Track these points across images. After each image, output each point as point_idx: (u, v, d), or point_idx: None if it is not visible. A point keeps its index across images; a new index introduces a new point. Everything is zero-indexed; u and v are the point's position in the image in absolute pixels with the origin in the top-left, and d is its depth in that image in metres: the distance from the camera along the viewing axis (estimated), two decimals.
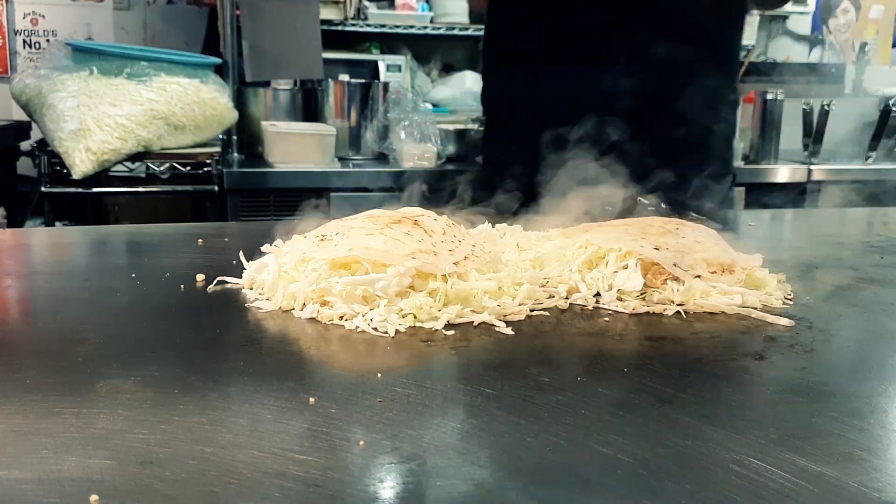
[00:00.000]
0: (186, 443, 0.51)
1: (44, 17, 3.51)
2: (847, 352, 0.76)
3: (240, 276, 0.90)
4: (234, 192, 2.55)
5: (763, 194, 3.06)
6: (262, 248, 0.92)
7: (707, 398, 0.62)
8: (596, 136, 1.26)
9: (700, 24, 1.46)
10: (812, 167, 3.14)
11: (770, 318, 0.81)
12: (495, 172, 1.43)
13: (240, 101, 2.84)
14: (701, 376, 0.67)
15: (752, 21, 3.33)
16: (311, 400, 0.58)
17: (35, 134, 2.83)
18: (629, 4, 1.42)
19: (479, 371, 0.67)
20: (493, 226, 1.05)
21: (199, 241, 1.13)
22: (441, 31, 3.69)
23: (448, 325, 0.76)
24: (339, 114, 2.94)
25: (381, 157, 2.91)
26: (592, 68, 1.42)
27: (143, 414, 0.55)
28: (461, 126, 3.07)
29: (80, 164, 2.29)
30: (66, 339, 0.72)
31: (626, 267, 0.87)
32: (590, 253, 0.90)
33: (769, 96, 3.13)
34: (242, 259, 0.92)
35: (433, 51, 3.90)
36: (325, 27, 3.11)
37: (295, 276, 0.82)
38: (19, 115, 2.83)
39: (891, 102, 3.30)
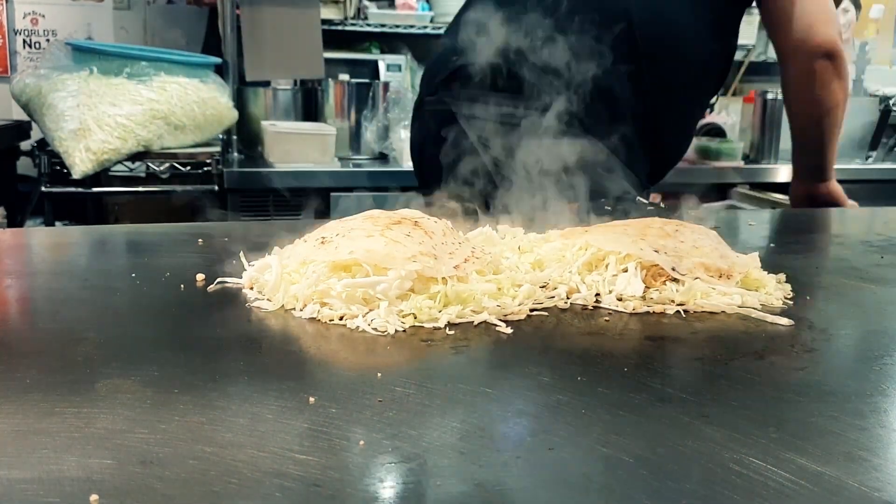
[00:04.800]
0: (186, 442, 0.51)
1: (44, 16, 3.51)
2: (847, 352, 0.76)
3: (240, 276, 0.90)
4: (234, 192, 2.55)
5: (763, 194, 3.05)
6: (271, 252, 0.92)
7: (707, 398, 0.62)
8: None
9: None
10: None
11: (770, 318, 0.81)
12: None
13: (240, 101, 2.84)
14: (701, 376, 0.67)
15: (752, 21, 3.32)
16: (311, 399, 0.58)
17: (35, 134, 2.83)
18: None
19: (479, 371, 0.67)
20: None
21: (199, 241, 1.13)
22: (441, 31, 3.69)
23: (448, 325, 0.76)
24: (339, 114, 2.94)
25: (381, 157, 2.91)
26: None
27: (143, 414, 0.55)
28: None
29: (80, 163, 2.29)
30: (66, 339, 0.72)
31: (625, 270, 0.87)
32: (589, 255, 0.90)
33: (769, 96, 3.13)
34: (243, 260, 0.92)
35: (433, 50, 3.90)
36: (325, 27, 3.11)
37: (296, 278, 0.82)
38: (19, 114, 2.83)
39: (891, 102, 3.30)
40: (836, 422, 0.57)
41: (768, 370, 0.68)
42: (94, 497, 0.44)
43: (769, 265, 0.96)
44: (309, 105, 3.00)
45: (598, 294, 0.86)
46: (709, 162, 3.05)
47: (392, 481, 0.47)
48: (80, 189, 2.41)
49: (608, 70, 1.38)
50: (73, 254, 1.16)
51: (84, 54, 2.43)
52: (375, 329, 0.74)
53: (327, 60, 3.03)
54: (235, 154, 2.89)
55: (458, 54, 1.53)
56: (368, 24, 3.54)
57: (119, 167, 2.41)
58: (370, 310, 0.77)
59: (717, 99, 3.55)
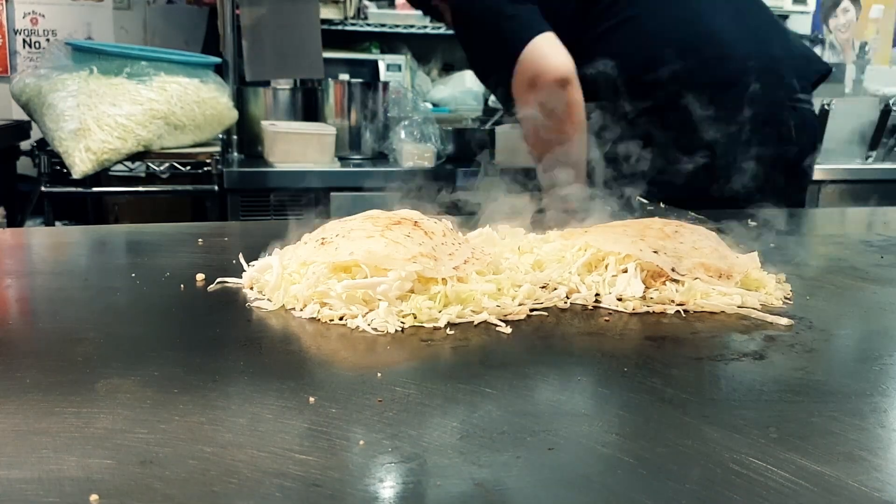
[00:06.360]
0: (186, 442, 0.51)
1: (44, 16, 3.51)
2: (847, 352, 0.76)
3: (240, 276, 0.90)
4: (234, 192, 2.55)
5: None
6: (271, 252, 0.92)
7: (707, 398, 0.62)
8: None
9: None
10: (812, 167, 3.12)
11: (770, 318, 0.81)
12: None
13: (240, 101, 2.84)
14: (701, 376, 0.67)
15: None
16: (311, 399, 0.58)
17: (35, 134, 2.82)
18: None
19: (479, 370, 0.67)
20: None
21: (199, 241, 1.13)
22: (441, 31, 3.69)
23: (448, 325, 0.76)
24: (339, 114, 2.93)
25: (381, 157, 2.91)
26: None
27: (143, 414, 0.55)
28: (461, 125, 3.07)
29: (80, 163, 2.29)
30: (66, 339, 0.72)
31: (625, 271, 0.87)
32: (589, 255, 0.90)
33: None
34: (242, 261, 0.92)
35: (433, 50, 3.90)
36: (325, 27, 3.11)
37: (297, 278, 0.82)
38: (19, 114, 2.83)
39: (891, 102, 3.30)
40: (836, 422, 0.57)
41: (768, 370, 0.68)
42: (94, 497, 0.44)
43: (769, 265, 0.96)
44: (309, 105, 3.00)
45: (597, 294, 0.86)
46: None
47: (392, 481, 0.47)
48: (80, 189, 2.40)
49: None
50: (73, 254, 1.16)
51: (84, 54, 2.43)
52: (375, 329, 0.74)
53: (327, 60, 3.03)
54: (235, 154, 2.89)
55: None
56: (368, 24, 3.54)
57: (119, 167, 2.41)
58: (370, 310, 0.77)
59: None
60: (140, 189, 2.50)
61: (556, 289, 0.86)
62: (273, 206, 2.59)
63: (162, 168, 2.47)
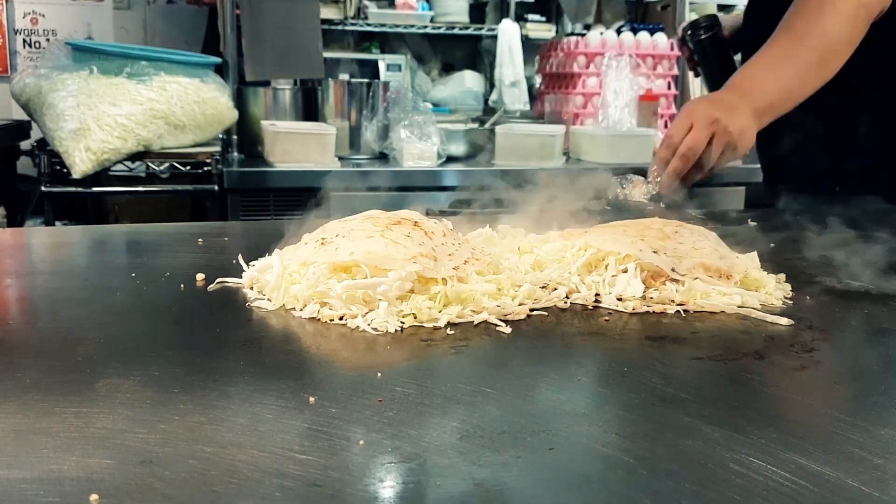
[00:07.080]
0: (186, 442, 0.51)
1: (44, 16, 3.52)
2: (847, 351, 0.76)
3: (240, 276, 0.90)
4: (234, 192, 2.55)
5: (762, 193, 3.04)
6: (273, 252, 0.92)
7: (707, 398, 0.62)
8: None
9: None
10: None
11: (770, 318, 0.81)
12: None
13: (240, 101, 2.84)
14: (701, 376, 0.67)
15: None
16: (311, 399, 0.58)
17: (35, 133, 2.83)
18: None
19: (479, 370, 0.67)
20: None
21: (199, 240, 1.13)
22: (441, 31, 3.70)
23: (448, 325, 0.76)
24: (339, 113, 2.94)
25: (382, 157, 2.91)
26: None
27: (143, 413, 0.55)
28: (461, 125, 3.08)
29: (80, 163, 2.29)
30: (66, 339, 0.72)
31: (625, 271, 0.87)
32: (589, 255, 0.90)
33: None
34: (242, 262, 0.92)
35: (433, 50, 3.90)
36: (325, 26, 3.11)
37: (297, 278, 0.82)
38: (19, 114, 2.84)
39: None
40: (836, 422, 0.57)
41: (768, 370, 0.68)
42: (94, 497, 0.44)
43: (769, 265, 0.96)
44: (309, 105, 3.00)
45: (597, 294, 0.86)
46: None
47: (392, 481, 0.47)
48: (80, 189, 2.41)
49: None
50: (73, 254, 1.16)
51: (84, 54, 2.43)
52: (375, 329, 0.74)
53: (327, 60, 3.03)
54: (235, 154, 2.89)
55: None
56: (368, 24, 3.54)
57: (119, 167, 2.41)
58: (370, 310, 0.77)
59: None
60: (140, 189, 2.50)
61: (556, 289, 0.86)
62: (273, 206, 2.59)
63: (162, 168, 2.47)
